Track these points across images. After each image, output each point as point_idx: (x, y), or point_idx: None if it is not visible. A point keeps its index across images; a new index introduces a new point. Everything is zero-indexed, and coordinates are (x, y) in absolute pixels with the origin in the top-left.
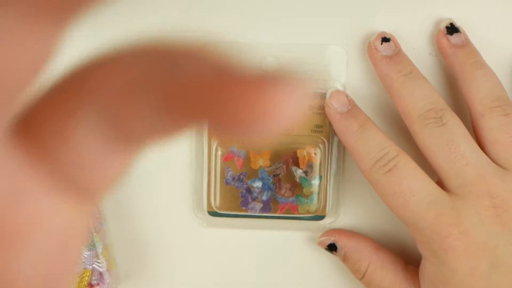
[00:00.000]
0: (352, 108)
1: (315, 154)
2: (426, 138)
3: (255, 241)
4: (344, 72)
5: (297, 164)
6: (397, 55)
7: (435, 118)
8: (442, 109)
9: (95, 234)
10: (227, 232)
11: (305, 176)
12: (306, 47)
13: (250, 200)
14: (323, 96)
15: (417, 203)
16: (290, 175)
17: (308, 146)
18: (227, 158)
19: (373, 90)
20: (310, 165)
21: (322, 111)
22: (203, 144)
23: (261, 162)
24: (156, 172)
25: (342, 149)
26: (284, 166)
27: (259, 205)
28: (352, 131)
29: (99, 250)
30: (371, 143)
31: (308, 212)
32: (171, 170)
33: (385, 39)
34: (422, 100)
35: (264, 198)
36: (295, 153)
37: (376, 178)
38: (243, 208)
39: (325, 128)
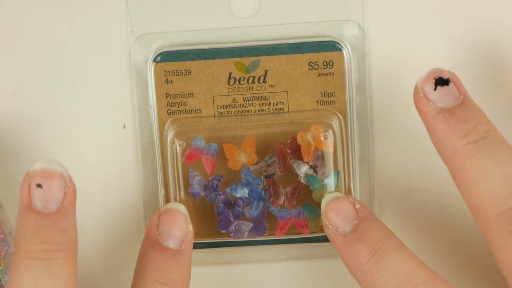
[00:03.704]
0: (358, 224)
1: (326, 137)
2: (511, 255)
3: (247, 282)
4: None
5: (299, 156)
6: (462, 106)
7: None
8: None
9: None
10: (202, 272)
11: (314, 174)
12: None
13: (232, 219)
14: (330, 46)
15: None
16: (291, 175)
17: (313, 126)
18: (190, 158)
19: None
20: (320, 156)
21: (332, 70)
22: (153, 135)
23: (243, 158)
24: (87, 183)
25: (369, 123)
26: (279, 160)
27: (247, 225)
28: (361, 262)
29: (6, 281)
30: (391, 282)
31: (323, 229)
32: (108, 179)
33: (441, 81)
34: (505, 187)
35: (253, 213)
36: (294, 139)
37: None
38: (223, 231)
39: (338, 96)
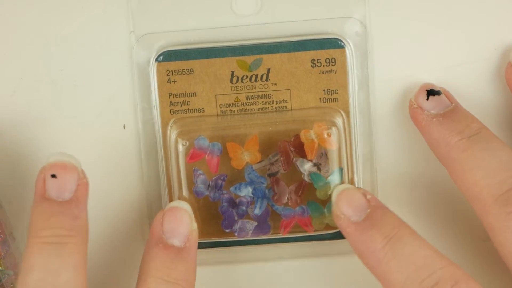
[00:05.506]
0: (371, 212)
1: (329, 135)
2: (510, 237)
3: (252, 281)
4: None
5: (302, 154)
6: (454, 110)
7: None
8: None
9: None
10: (207, 271)
11: (318, 172)
12: None
13: (236, 218)
14: (333, 44)
15: None
16: (294, 172)
17: (316, 124)
18: (194, 157)
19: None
20: (323, 154)
21: (334, 67)
22: (155, 135)
23: (247, 156)
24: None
25: (372, 120)
26: (282, 159)
27: (251, 224)
28: (375, 249)
29: (7, 281)
30: (408, 267)
31: (328, 226)
32: (110, 179)
33: (433, 92)
34: (500, 172)
35: (257, 212)
36: (297, 137)
37: None
38: (227, 231)
39: (341, 93)
